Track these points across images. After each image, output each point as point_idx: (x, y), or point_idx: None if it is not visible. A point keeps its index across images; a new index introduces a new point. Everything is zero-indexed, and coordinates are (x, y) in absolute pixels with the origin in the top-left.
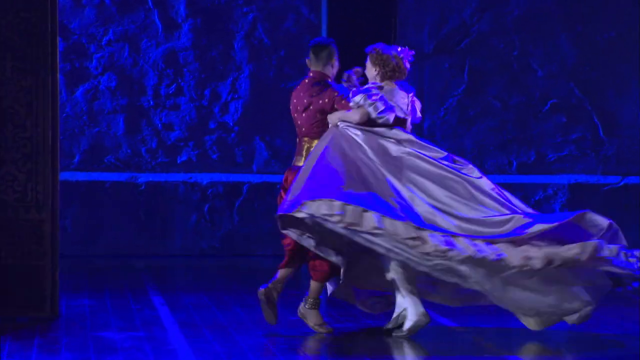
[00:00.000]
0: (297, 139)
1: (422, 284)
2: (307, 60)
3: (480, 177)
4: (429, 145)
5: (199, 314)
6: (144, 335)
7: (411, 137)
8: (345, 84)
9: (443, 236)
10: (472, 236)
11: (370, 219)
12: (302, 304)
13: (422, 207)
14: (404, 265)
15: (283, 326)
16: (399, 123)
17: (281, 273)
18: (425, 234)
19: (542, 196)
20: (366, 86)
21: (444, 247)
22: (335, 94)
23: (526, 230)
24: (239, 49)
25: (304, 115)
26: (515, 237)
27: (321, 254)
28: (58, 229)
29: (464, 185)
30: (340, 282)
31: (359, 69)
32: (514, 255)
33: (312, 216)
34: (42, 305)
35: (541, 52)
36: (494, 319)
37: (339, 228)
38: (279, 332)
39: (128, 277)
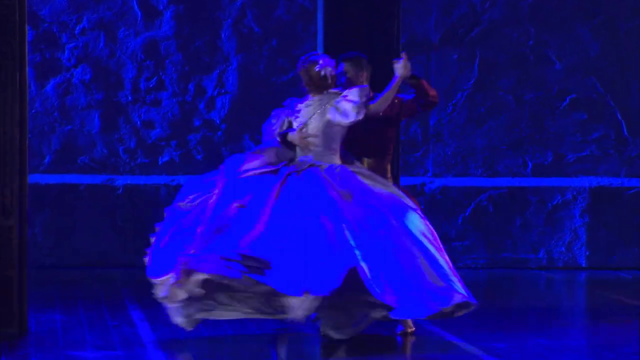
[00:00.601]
0: None
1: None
2: None
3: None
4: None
5: (182, 329)
6: (122, 354)
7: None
8: None
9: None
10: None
11: None
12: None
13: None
14: None
15: (269, 342)
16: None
17: None
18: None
19: (560, 201)
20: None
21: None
22: None
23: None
24: (226, 38)
25: None
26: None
27: None
28: (27, 237)
29: None
30: None
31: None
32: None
33: None
34: (9, 320)
35: (559, 42)
36: (504, 336)
37: None
38: (264, 348)
39: (104, 290)
